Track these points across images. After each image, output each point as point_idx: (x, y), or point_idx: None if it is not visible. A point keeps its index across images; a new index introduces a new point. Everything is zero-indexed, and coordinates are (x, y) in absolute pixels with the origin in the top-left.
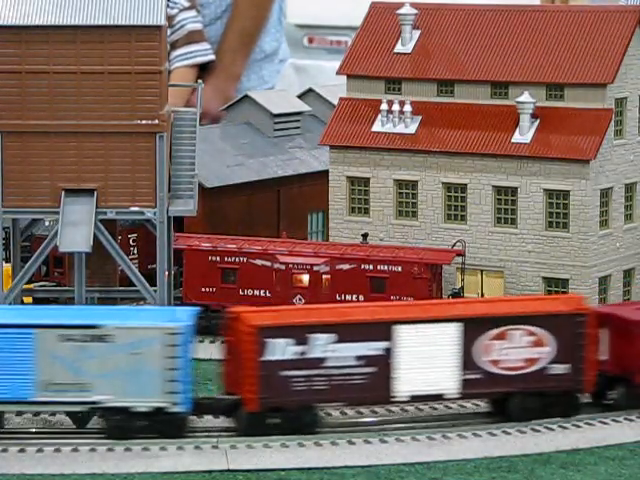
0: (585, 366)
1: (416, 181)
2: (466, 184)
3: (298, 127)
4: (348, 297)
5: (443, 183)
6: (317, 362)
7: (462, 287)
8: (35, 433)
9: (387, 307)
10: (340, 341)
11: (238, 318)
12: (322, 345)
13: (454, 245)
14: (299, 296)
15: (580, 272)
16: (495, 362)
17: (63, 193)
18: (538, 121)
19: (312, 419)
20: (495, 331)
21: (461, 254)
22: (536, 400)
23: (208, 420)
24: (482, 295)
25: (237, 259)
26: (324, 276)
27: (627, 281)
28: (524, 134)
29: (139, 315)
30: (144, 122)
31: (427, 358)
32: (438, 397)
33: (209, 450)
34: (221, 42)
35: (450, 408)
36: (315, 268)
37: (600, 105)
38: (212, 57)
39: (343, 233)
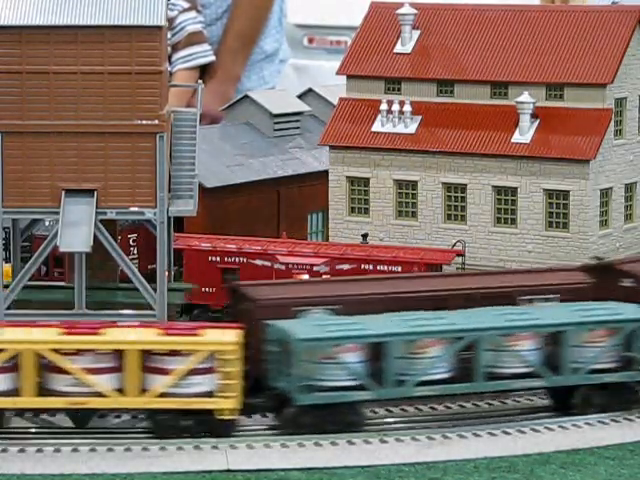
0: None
1: (416, 181)
2: (466, 184)
3: (298, 127)
4: None
5: (443, 183)
6: None
7: None
8: (35, 433)
9: None
10: None
11: None
12: None
13: (454, 245)
14: None
15: None
16: None
17: (63, 193)
18: (538, 121)
19: None
20: None
21: (461, 254)
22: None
23: None
24: None
25: (237, 259)
26: (324, 276)
27: None
28: (524, 134)
29: None
30: (144, 122)
31: None
32: None
33: (209, 450)
34: (221, 43)
35: (450, 408)
36: (315, 268)
37: (600, 105)
38: (212, 58)
39: (343, 233)
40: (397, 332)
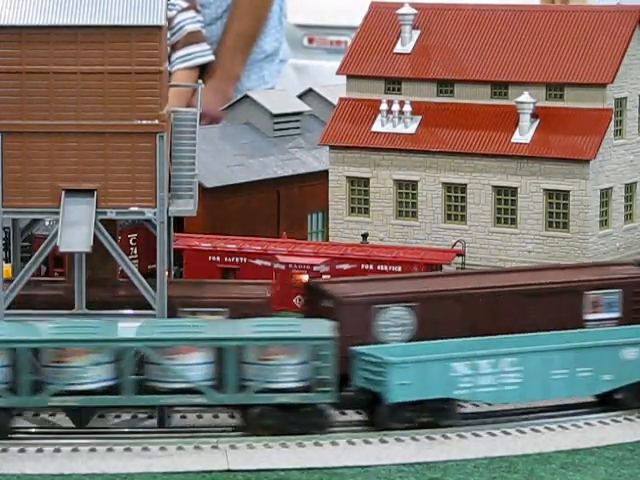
0: None
1: (416, 181)
2: (466, 184)
3: (298, 127)
4: None
5: (443, 183)
6: None
7: None
8: (35, 433)
9: None
10: None
11: None
12: None
13: (454, 245)
14: (299, 296)
15: None
16: None
17: (63, 193)
18: (538, 121)
19: None
20: None
21: (461, 254)
22: None
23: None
24: None
25: (237, 259)
26: (324, 276)
27: None
28: (524, 134)
29: None
30: (144, 122)
31: None
32: None
33: (209, 450)
34: (221, 42)
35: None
36: (315, 268)
37: (600, 105)
38: (211, 57)
39: (343, 233)
40: (28, 339)
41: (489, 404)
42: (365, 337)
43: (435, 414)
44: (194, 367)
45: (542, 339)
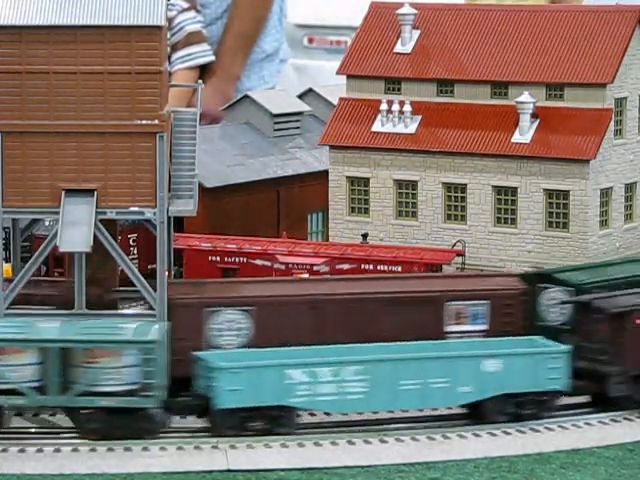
0: None
1: (416, 181)
2: (466, 184)
3: (298, 127)
4: None
5: (443, 183)
6: None
7: None
8: (35, 433)
9: None
10: None
11: None
12: None
13: (454, 245)
14: None
15: None
16: None
17: (63, 193)
18: (538, 121)
19: None
20: None
21: (461, 254)
22: None
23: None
24: None
25: (237, 259)
26: (324, 276)
27: None
28: (524, 134)
29: None
30: (144, 122)
31: None
32: None
33: (209, 450)
34: (221, 42)
35: (450, 408)
36: (315, 268)
37: (600, 105)
38: (212, 58)
39: (343, 233)
40: None
41: (328, 414)
42: (198, 340)
43: (271, 422)
44: (17, 368)
45: (390, 349)
